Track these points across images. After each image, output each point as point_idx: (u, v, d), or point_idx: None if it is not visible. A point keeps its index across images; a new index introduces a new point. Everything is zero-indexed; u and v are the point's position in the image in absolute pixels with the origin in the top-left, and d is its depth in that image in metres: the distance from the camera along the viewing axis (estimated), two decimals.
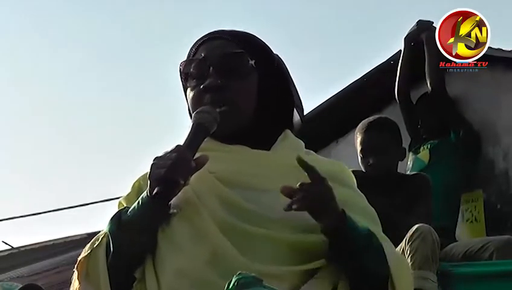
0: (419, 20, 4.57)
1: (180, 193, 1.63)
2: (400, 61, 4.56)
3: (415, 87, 4.70)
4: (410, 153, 4.49)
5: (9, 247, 9.50)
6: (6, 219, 8.91)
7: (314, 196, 1.59)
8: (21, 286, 4.18)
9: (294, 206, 1.58)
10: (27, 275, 7.84)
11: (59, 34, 14.69)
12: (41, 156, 15.22)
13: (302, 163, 1.62)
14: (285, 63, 1.85)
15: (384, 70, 4.86)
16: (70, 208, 8.87)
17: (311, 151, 1.84)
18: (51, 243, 9.33)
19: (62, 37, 14.79)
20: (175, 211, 1.65)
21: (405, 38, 4.59)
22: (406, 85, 4.56)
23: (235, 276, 1.40)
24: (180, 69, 1.81)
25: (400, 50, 4.65)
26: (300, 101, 1.86)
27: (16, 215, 8.99)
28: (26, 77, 14.94)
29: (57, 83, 14.85)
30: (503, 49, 4.61)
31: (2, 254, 9.44)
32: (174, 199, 1.64)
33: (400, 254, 1.67)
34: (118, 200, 1.79)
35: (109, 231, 1.65)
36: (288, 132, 1.82)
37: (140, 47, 14.67)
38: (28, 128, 15.06)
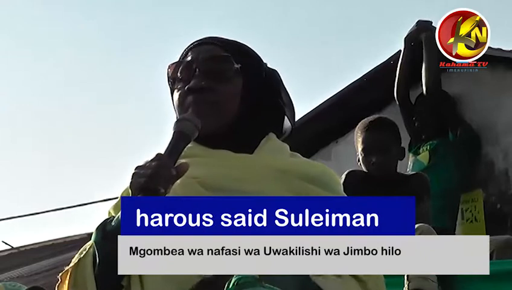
0: (419, 20, 4.57)
1: None
2: (400, 62, 4.57)
3: (415, 86, 4.70)
4: (410, 155, 4.49)
5: (9, 247, 9.50)
6: (6, 219, 8.92)
7: None
8: (25, 287, 4.20)
9: None
10: (27, 275, 7.84)
11: (57, 37, 14.70)
12: (41, 156, 15.23)
13: None
14: (278, 73, 1.88)
15: (384, 70, 4.87)
16: (70, 208, 8.88)
17: (297, 154, 1.86)
18: (51, 243, 9.33)
19: (60, 39, 14.81)
20: None
21: (405, 39, 4.59)
22: (405, 86, 4.57)
23: (234, 276, 1.41)
24: (168, 72, 1.84)
25: (400, 50, 4.65)
26: (293, 110, 1.88)
27: (15, 215, 9.00)
28: (25, 76, 14.95)
29: (56, 82, 14.87)
30: (503, 49, 4.61)
31: (2, 254, 9.45)
32: None
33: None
34: (113, 202, 1.81)
35: (94, 241, 1.67)
36: (271, 135, 1.84)
37: (144, 45, 14.68)
38: (27, 128, 15.08)
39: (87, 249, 1.68)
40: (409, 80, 4.59)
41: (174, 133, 1.70)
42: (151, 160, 1.64)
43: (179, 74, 1.81)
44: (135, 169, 1.64)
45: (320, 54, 14.33)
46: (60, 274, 1.70)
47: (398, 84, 4.56)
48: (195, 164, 1.69)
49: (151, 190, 1.61)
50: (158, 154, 1.65)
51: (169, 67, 1.84)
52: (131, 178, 1.64)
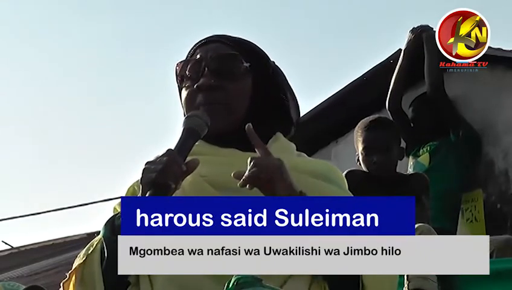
0: (413, 28, 4.59)
1: None
2: (395, 74, 4.54)
3: (414, 87, 4.70)
4: (410, 157, 4.49)
5: (9, 247, 9.50)
6: (6, 219, 8.92)
7: (262, 167, 1.63)
8: (24, 287, 4.20)
9: (242, 182, 1.63)
10: (27, 275, 7.84)
11: (55, 36, 14.70)
12: (41, 156, 15.23)
13: (249, 132, 1.67)
14: (283, 71, 1.89)
15: (384, 69, 4.86)
16: (70, 208, 8.88)
17: (303, 154, 1.88)
18: (51, 243, 9.33)
19: (59, 39, 14.81)
20: None
21: (404, 50, 4.58)
22: (399, 98, 4.54)
23: (234, 276, 1.41)
24: (176, 70, 1.84)
25: (400, 49, 4.65)
26: (298, 108, 1.89)
27: (16, 215, 9.00)
28: (26, 76, 14.96)
29: (57, 81, 14.88)
30: (503, 49, 4.61)
31: (2, 254, 9.45)
32: None
33: None
34: (116, 201, 1.80)
35: (103, 236, 1.67)
36: (279, 134, 1.85)
37: (134, 49, 14.69)
38: (27, 128, 15.08)
39: (94, 245, 1.69)
40: (403, 92, 4.58)
41: (183, 129, 1.71)
42: (162, 155, 1.64)
43: (187, 72, 1.81)
44: (145, 164, 1.65)
45: (319, 53, 14.33)
46: (70, 272, 1.70)
47: (390, 96, 4.52)
48: (203, 162, 1.69)
49: (162, 185, 1.62)
50: (169, 150, 1.66)
51: (177, 65, 1.84)
52: (142, 173, 1.64)
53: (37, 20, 14.76)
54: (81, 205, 8.81)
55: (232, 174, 1.65)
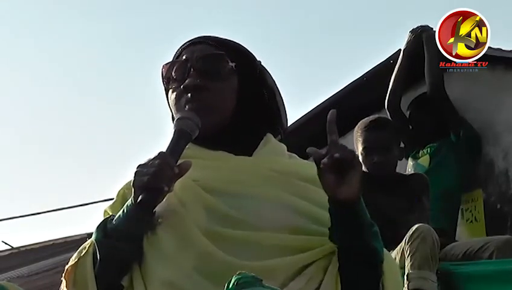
0: (413, 29, 4.58)
1: (164, 202, 1.65)
2: (395, 74, 4.52)
3: (413, 87, 4.70)
4: (410, 159, 4.48)
5: (9, 247, 9.49)
6: (6, 219, 8.91)
7: (348, 152, 1.67)
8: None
9: (324, 161, 1.63)
10: (27, 275, 7.83)
11: (55, 36, 14.69)
12: (41, 156, 15.22)
13: (331, 117, 1.73)
14: (270, 72, 1.88)
15: (384, 69, 4.85)
16: (70, 208, 8.87)
17: (294, 155, 1.87)
18: (51, 243, 9.32)
19: (59, 39, 14.80)
20: (160, 220, 1.66)
21: (403, 50, 4.57)
22: (398, 98, 4.53)
23: (234, 276, 1.40)
24: (162, 72, 1.84)
25: (400, 49, 4.64)
26: (284, 109, 1.88)
27: (15, 215, 8.98)
28: (26, 76, 14.95)
29: (57, 81, 14.86)
30: (503, 49, 4.60)
31: (2, 254, 9.44)
32: (159, 207, 1.65)
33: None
34: (107, 203, 1.81)
35: (95, 239, 1.66)
36: (269, 136, 1.84)
37: (134, 49, 14.68)
38: (28, 128, 15.07)
39: (86, 248, 1.68)
40: (402, 92, 4.58)
41: (175, 131, 1.70)
42: (154, 158, 1.64)
43: (173, 74, 1.81)
44: (137, 167, 1.64)
45: (319, 53, 14.32)
46: (63, 275, 1.69)
47: (390, 96, 4.50)
48: (195, 165, 1.68)
49: (155, 188, 1.61)
50: (160, 153, 1.65)
51: (163, 67, 1.84)
52: (134, 176, 1.63)
53: (37, 20, 14.76)
54: (81, 205, 8.80)
55: (308, 150, 1.63)
